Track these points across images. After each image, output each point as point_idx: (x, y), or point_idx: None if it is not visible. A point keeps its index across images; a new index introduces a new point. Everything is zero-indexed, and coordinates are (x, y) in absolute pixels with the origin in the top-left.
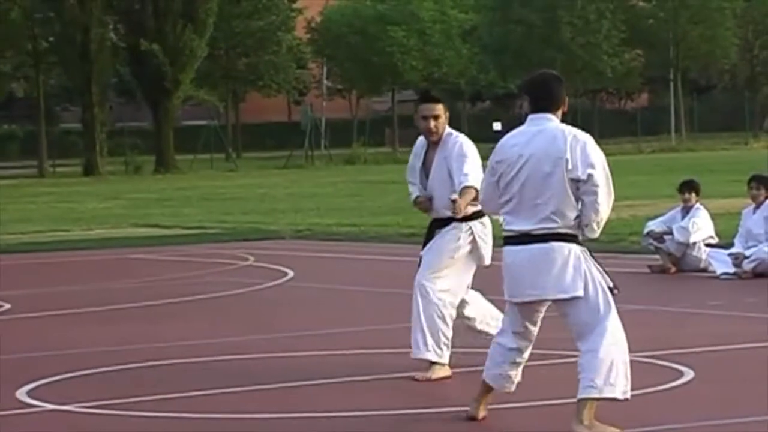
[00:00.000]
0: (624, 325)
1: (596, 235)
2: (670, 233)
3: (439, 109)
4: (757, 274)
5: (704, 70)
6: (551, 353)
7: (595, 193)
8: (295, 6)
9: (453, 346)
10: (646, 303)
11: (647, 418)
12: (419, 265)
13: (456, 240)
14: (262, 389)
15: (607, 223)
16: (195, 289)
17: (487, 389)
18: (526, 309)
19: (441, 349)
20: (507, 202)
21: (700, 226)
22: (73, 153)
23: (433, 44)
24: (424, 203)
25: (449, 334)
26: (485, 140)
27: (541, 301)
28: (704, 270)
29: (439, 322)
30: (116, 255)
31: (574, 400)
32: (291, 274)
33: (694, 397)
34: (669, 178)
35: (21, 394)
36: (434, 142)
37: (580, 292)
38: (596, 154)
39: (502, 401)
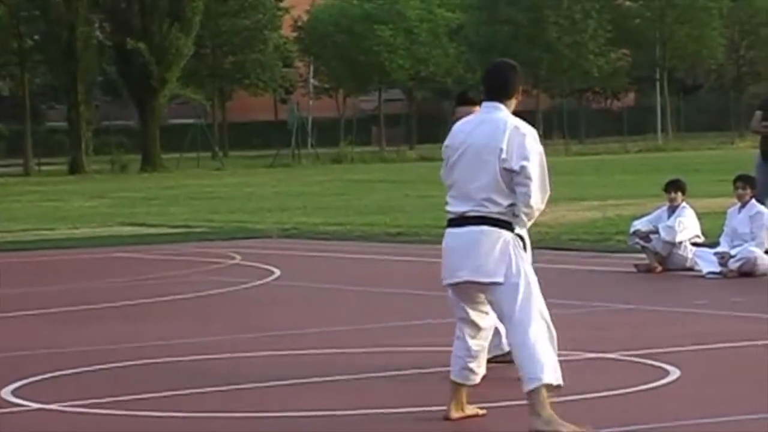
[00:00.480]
0: (610, 324)
1: (525, 226)
2: (657, 232)
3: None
4: (743, 273)
5: (691, 69)
6: None
7: (527, 186)
8: (281, 5)
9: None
10: (632, 302)
11: (633, 416)
12: None
13: None
14: (248, 389)
15: (593, 222)
16: (181, 288)
17: (457, 387)
18: (462, 293)
19: None
20: (451, 186)
21: (686, 226)
22: (59, 151)
23: (420, 43)
24: None
25: None
26: None
27: (470, 285)
28: (690, 269)
29: None
30: (102, 254)
31: (557, 399)
32: (277, 273)
33: (680, 396)
34: (655, 178)
35: (6, 393)
36: None
37: (500, 279)
38: (533, 148)
39: (487, 400)
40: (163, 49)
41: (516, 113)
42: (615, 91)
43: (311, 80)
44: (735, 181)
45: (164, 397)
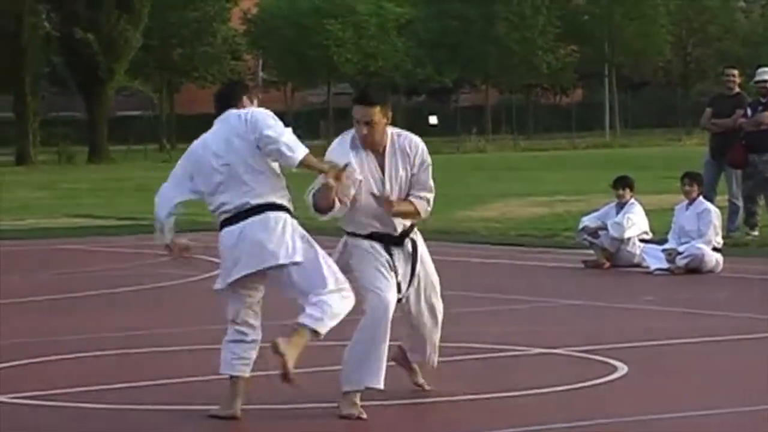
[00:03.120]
0: (558, 320)
1: None
2: (605, 228)
3: (374, 112)
4: (690, 270)
5: (638, 66)
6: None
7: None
8: None
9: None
10: (580, 298)
11: (581, 412)
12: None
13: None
14: (192, 381)
15: (542, 218)
16: (128, 281)
17: (234, 381)
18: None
19: None
20: None
21: (635, 222)
22: (6, 142)
23: (369, 37)
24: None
25: None
26: (421, 134)
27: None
28: (638, 265)
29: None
30: (48, 245)
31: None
32: None
33: (627, 391)
34: (603, 174)
35: None
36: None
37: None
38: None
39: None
40: (111, 41)
41: (464, 108)
42: (563, 87)
43: (260, 73)
44: (682, 178)
45: (110, 390)
